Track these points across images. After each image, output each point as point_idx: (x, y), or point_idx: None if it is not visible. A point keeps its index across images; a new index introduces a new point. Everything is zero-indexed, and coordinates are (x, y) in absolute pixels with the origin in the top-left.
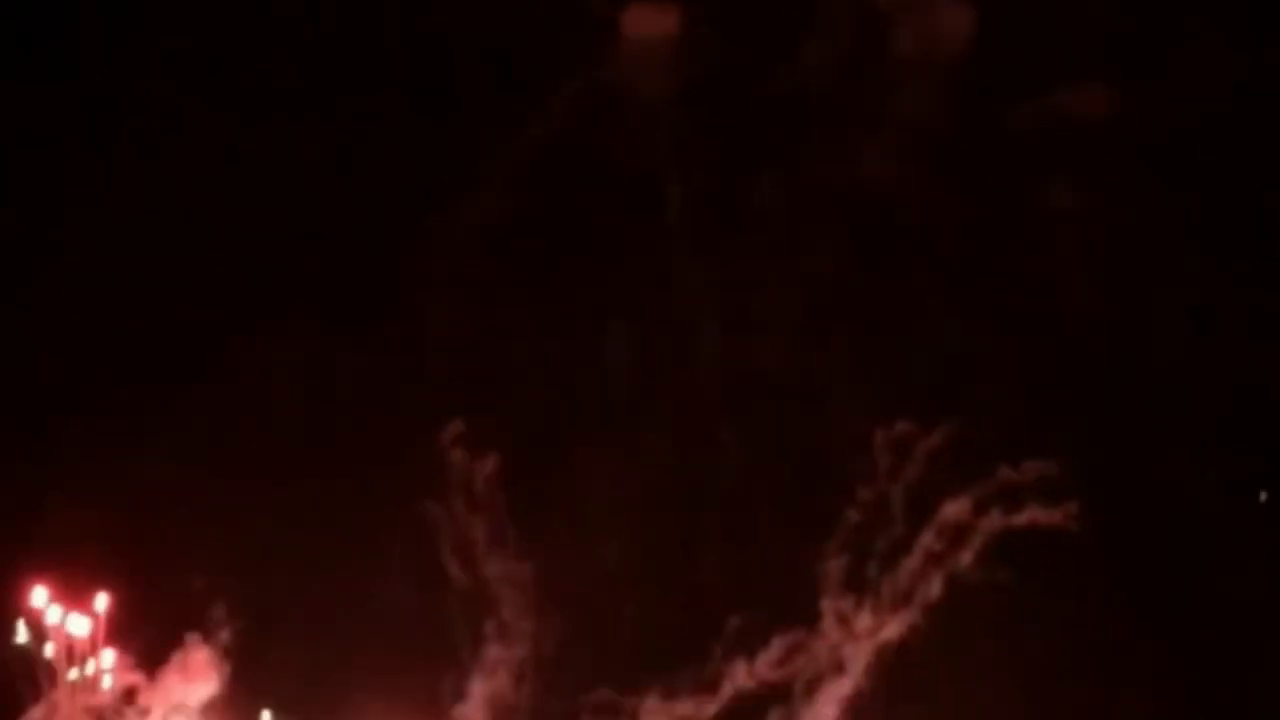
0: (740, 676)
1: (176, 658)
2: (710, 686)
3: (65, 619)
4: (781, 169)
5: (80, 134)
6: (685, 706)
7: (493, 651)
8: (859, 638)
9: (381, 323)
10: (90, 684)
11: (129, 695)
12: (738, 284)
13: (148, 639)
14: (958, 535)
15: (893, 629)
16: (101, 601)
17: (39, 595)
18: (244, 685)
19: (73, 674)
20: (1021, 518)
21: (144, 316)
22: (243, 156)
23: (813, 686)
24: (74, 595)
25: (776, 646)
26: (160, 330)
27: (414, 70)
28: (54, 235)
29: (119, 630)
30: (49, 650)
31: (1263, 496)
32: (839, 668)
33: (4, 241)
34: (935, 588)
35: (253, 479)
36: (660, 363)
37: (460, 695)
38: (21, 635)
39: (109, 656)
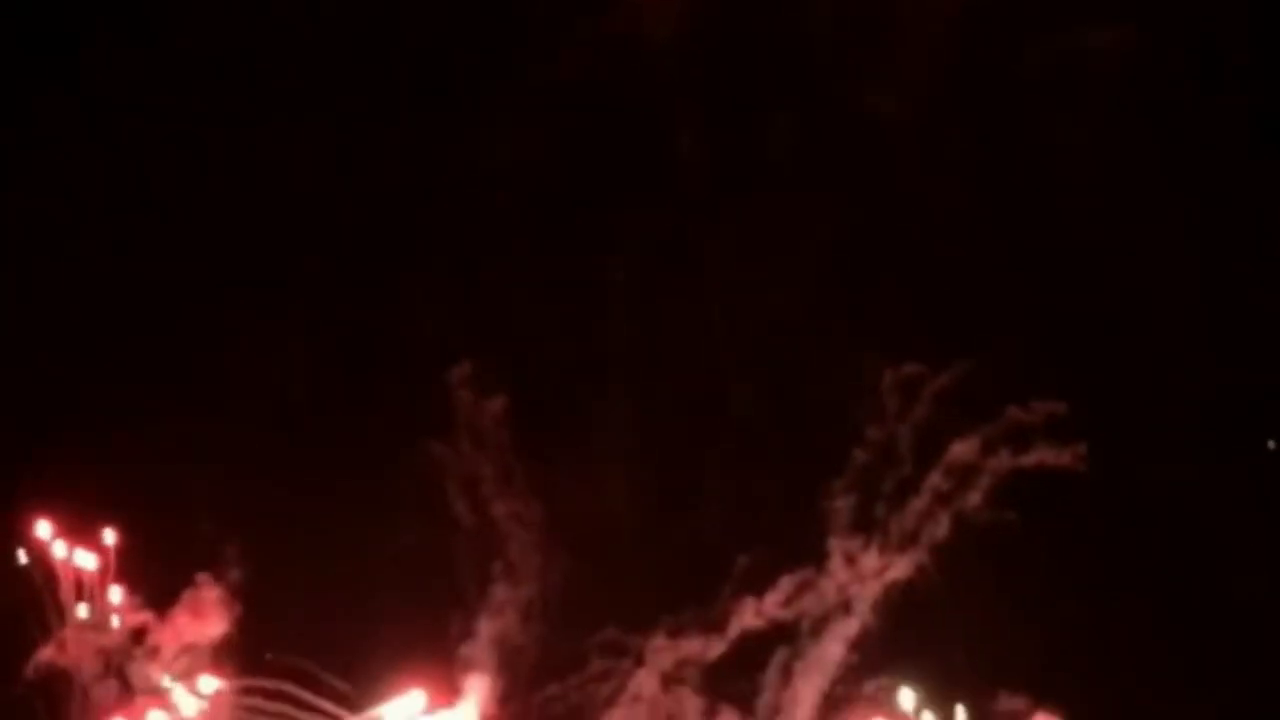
0: (748, 616)
1: (186, 597)
2: (717, 626)
3: (72, 554)
4: (791, 112)
5: None
6: (692, 645)
7: (500, 591)
8: (866, 578)
9: (389, 264)
10: (99, 622)
11: (138, 635)
12: (747, 227)
13: (157, 579)
14: (966, 476)
15: (900, 569)
16: (109, 537)
17: (43, 528)
18: (253, 625)
19: (81, 610)
20: (1030, 459)
21: (152, 260)
22: (249, 98)
23: (819, 626)
24: (82, 532)
25: (784, 586)
26: (169, 273)
27: (419, 19)
28: (62, 185)
29: (128, 569)
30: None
31: (1271, 445)
32: (846, 607)
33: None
34: (943, 528)
35: (261, 419)
36: (669, 303)
37: (467, 635)
38: (22, 559)
39: (117, 594)
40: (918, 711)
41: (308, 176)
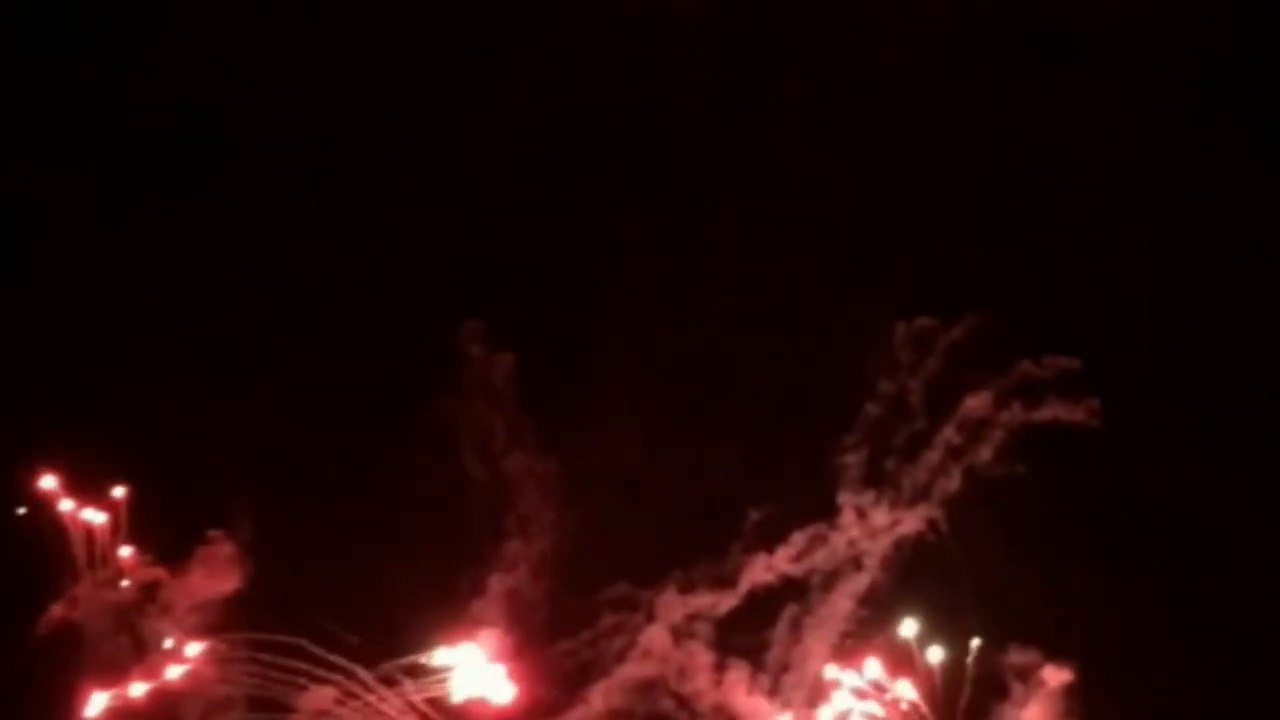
0: (759, 571)
1: (199, 553)
2: (728, 580)
3: (82, 511)
4: (804, 70)
5: None
6: (703, 600)
7: (511, 546)
8: (877, 532)
9: (399, 221)
10: (110, 579)
11: (150, 591)
12: (759, 179)
13: (169, 535)
14: (978, 430)
15: (911, 523)
16: (119, 492)
17: (51, 483)
18: (265, 581)
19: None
20: (1043, 413)
21: (164, 212)
22: (265, 60)
23: (830, 581)
24: (92, 489)
25: (795, 541)
26: (179, 225)
27: None
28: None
29: (140, 525)
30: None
31: None
32: (856, 562)
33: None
34: (954, 483)
35: (274, 377)
36: (679, 256)
37: (479, 590)
38: (29, 515)
39: (128, 551)
40: (920, 642)
41: (319, 132)
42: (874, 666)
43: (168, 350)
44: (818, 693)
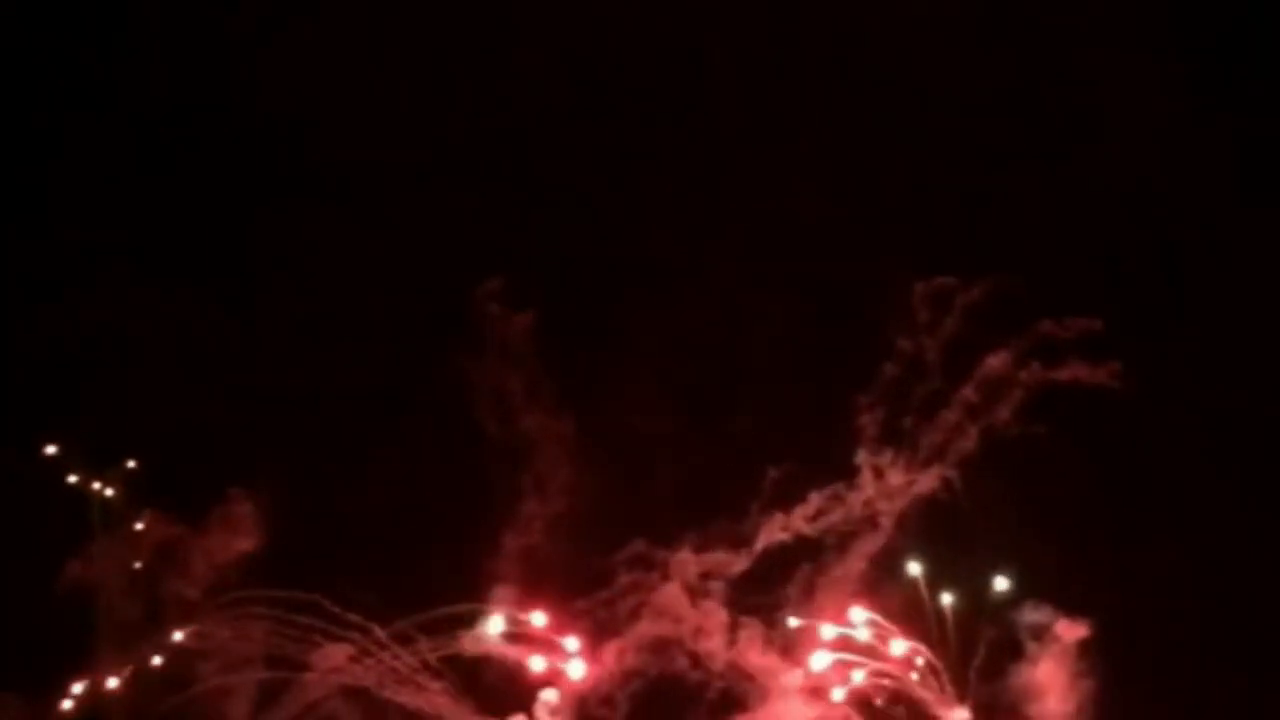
0: (775, 530)
1: (217, 512)
2: (745, 540)
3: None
4: (826, 29)
5: None
6: (717, 559)
7: (529, 505)
8: (894, 492)
9: (421, 181)
10: (127, 538)
11: (167, 550)
12: (780, 142)
13: (188, 493)
14: (996, 389)
15: (927, 482)
16: (130, 464)
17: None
18: (281, 539)
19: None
20: (1062, 373)
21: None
22: (275, 34)
23: (845, 540)
24: (111, 450)
25: (813, 500)
26: (207, 188)
27: None
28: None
29: (158, 484)
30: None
31: None
32: (873, 522)
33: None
34: (971, 442)
35: (292, 337)
36: (699, 215)
37: (496, 548)
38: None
39: (144, 513)
40: (927, 584)
41: (338, 100)
42: (860, 613)
43: (190, 314)
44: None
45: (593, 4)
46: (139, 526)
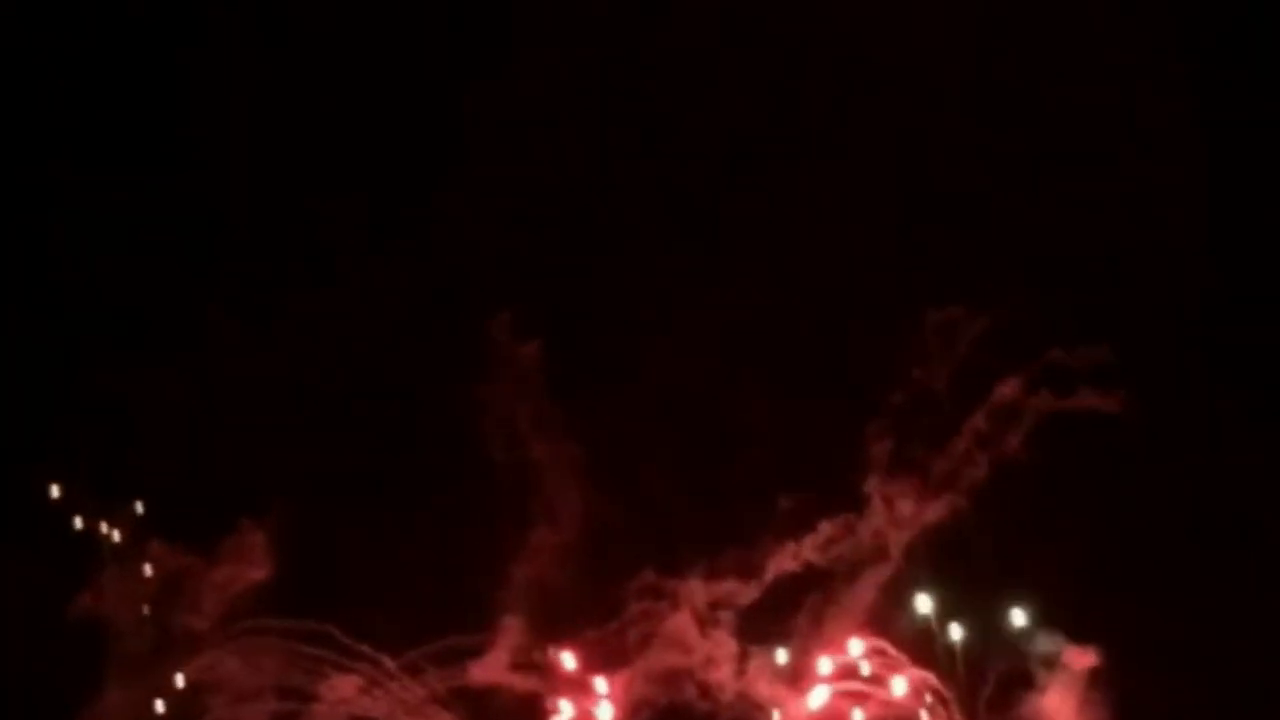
0: (786, 559)
1: (228, 542)
2: (755, 569)
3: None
4: (836, 55)
5: None
6: (727, 588)
7: (538, 535)
8: (904, 520)
9: (427, 208)
10: (135, 570)
11: (177, 581)
12: (789, 169)
13: (198, 524)
14: (1006, 419)
15: (937, 511)
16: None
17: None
18: (292, 569)
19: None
20: (1072, 402)
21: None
22: (288, 54)
23: (855, 570)
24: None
25: (823, 530)
26: (212, 218)
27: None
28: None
29: (170, 514)
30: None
31: None
32: (882, 551)
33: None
34: (982, 470)
35: (301, 367)
36: (707, 244)
37: (505, 578)
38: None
39: (153, 547)
40: (939, 619)
41: (345, 125)
42: (858, 645)
43: (202, 338)
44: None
45: (594, 34)
46: (148, 569)
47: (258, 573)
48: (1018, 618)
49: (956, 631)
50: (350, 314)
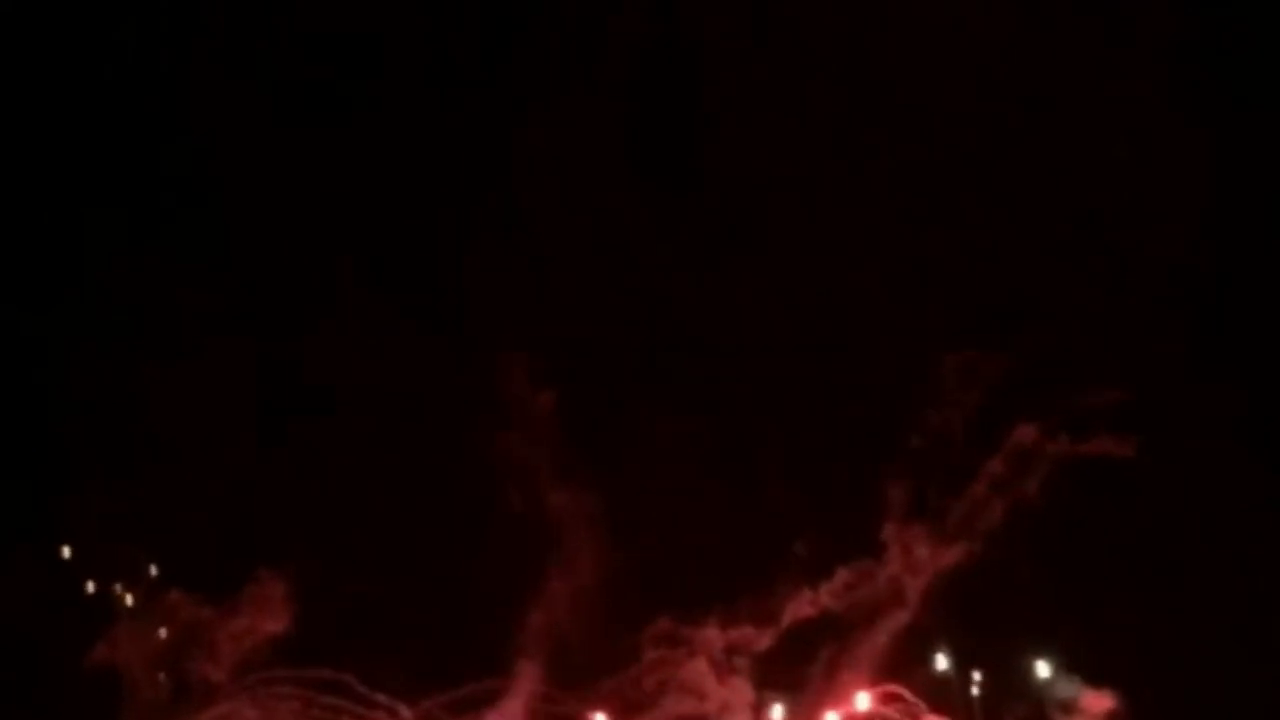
0: (803, 605)
1: (246, 591)
2: (771, 615)
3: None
4: (849, 94)
5: None
6: (745, 635)
7: (555, 582)
8: (920, 566)
9: (443, 258)
10: (151, 620)
11: (193, 631)
12: (804, 213)
13: (216, 573)
14: (1023, 463)
15: (953, 556)
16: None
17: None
18: (312, 619)
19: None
20: (1088, 447)
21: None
22: (303, 94)
23: (872, 615)
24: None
25: (840, 575)
26: (224, 262)
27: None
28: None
29: (188, 564)
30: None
31: None
32: (899, 597)
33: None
34: (999, 515)
35: (319, 417)
36: (724, 292)
37: (521, 626)
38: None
39: (169, 598)
40: (956, 664)
41: (363, 173)
42: (864, 699)
43: (220, 389)
44: None
45: (617, 79)
46: (164, 621)
47: (274, 622)
48: (1035, 662)
49: (974, 676)
50: (366, 363)
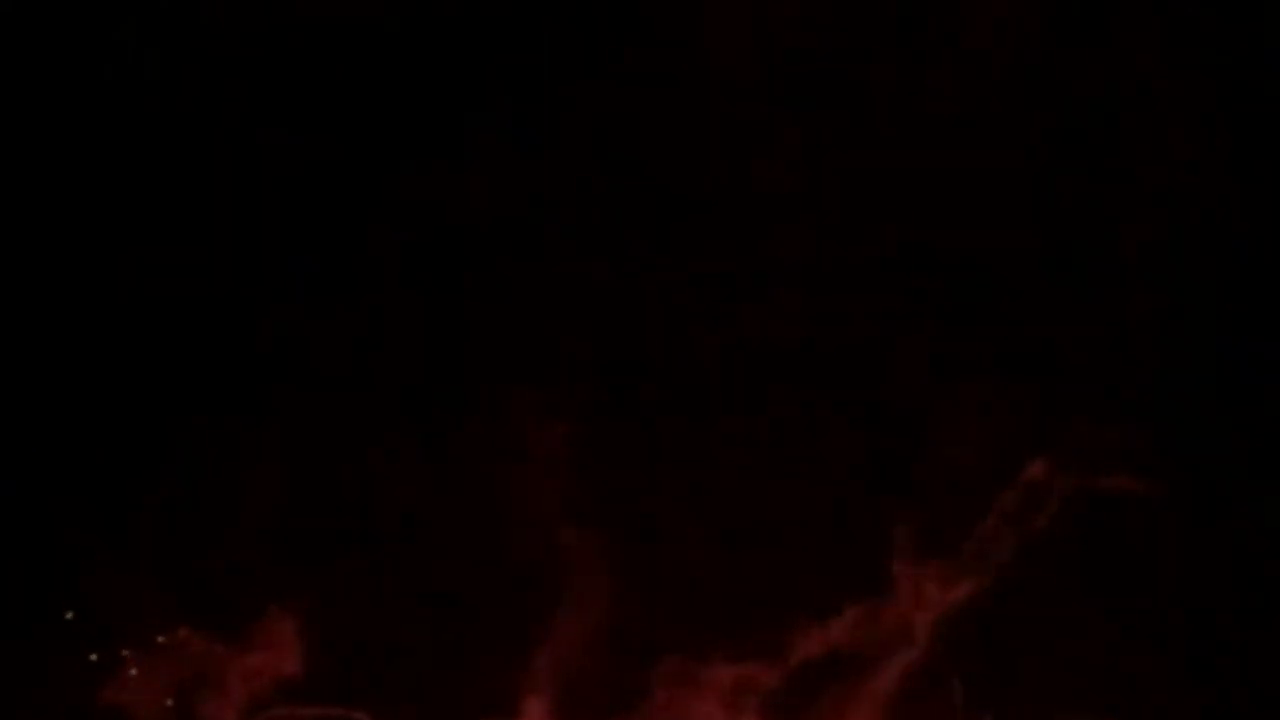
0: (813, 645)
1: (257, 629)
2: (780, 653)
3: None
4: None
5: None
6: (753, 673)
7: (564, 621)
8: (931, 603)
9: (446, 288)
10: (163, 661)
11: (204, 670)
12: (812, 247)
13: (225, 612)
14: (1035, 499)
15: (964, 593)
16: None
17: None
18: (324, 657)
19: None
20: (1104, 483)
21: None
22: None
23: (881, 653)
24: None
25: (849, 613)
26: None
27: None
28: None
29: (198, 602)
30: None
31: None
32: (908, 634)
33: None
34: (1009, 552)
35: (320, 449)
36: (731, 326)
37: (530, 665)
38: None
39: (179, 635)
40: (965, 697)
41: (357, 204)
42: None
43: (221, 426)
44: None
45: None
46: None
47: (286, 660)
48: (1049, 702)
49: (985, 715)
50: (372, 394)
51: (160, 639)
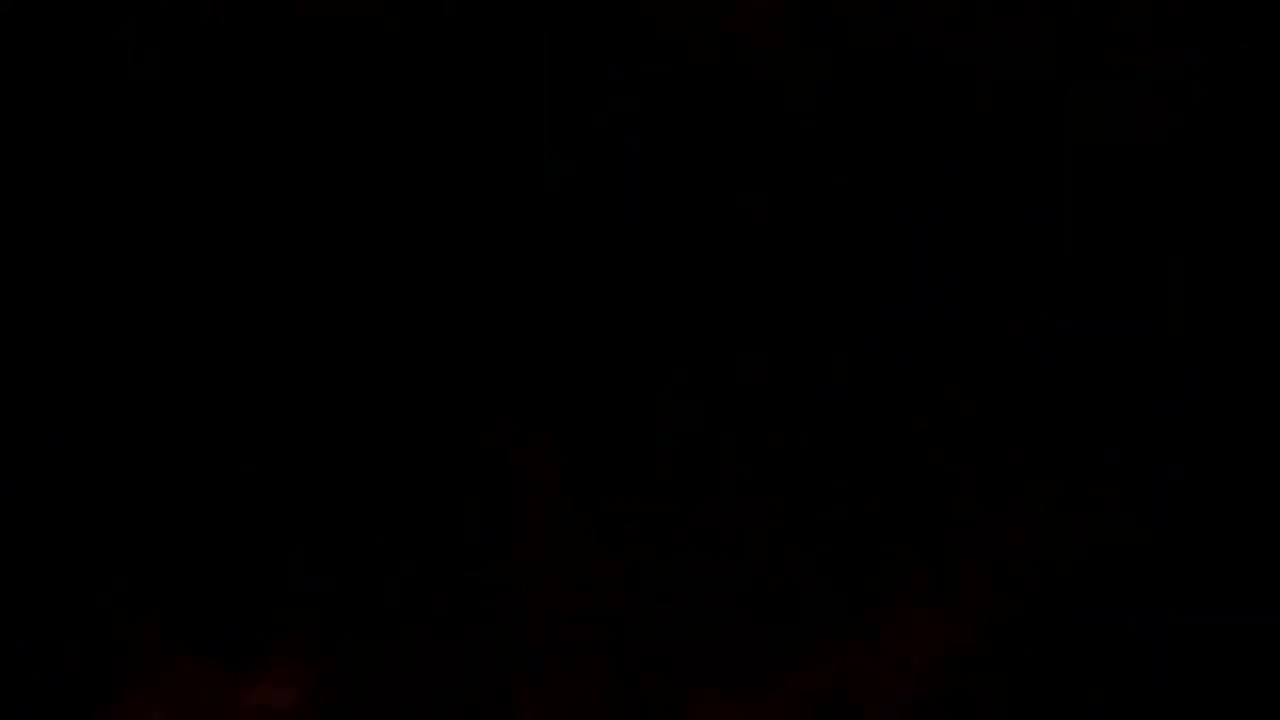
0: (810, 679)
1: (259, 661)
2: (772, 684)
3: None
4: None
5: None
6: (745, 703)
7: (557, 639)
8: (930, 635)
9: (434, 301)
10: (163, 692)
11: (207, 701)
12: (807, 257)
13: (228, 642)
14: (1035, 522)
15: (963, 625)
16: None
17: None
18: (327, 690)
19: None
20: (1100, 511)
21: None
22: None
23: (879, 690)
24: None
25: (845, 640)
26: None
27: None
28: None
29: (198, 633)
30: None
31: None
32: (906, 670)
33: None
34: (1010, 580)
35: (306, 469)
36: (721, 342)
37: (518, 690)
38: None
39: (179, 664)
40: None
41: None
42: None
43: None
44: None
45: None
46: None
47: (289, 689)
48: None
49: None
50: (366, 417)
51: (159, 669)
